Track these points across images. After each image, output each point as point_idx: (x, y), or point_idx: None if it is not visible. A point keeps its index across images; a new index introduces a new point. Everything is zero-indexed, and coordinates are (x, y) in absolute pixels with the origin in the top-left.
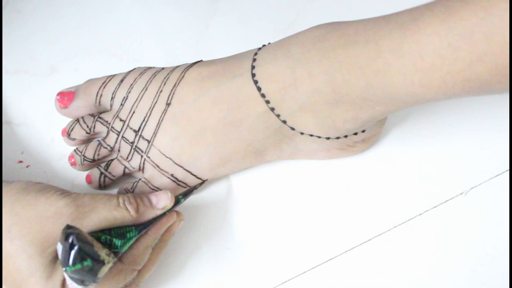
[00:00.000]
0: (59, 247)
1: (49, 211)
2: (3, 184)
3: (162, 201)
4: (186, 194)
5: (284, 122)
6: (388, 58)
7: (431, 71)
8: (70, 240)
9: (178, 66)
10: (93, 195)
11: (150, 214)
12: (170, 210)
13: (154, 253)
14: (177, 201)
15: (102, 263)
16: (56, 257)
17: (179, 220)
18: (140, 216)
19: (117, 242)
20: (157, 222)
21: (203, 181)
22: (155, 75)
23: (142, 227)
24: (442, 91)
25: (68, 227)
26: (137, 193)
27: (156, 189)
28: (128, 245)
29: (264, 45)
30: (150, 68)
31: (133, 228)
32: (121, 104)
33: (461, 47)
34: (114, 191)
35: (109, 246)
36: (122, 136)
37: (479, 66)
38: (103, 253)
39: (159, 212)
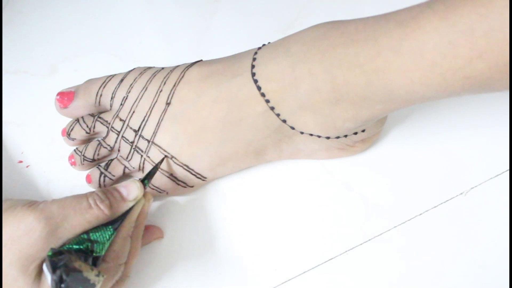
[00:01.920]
0: (47, 274)
1: (19, 229)
2: None
3: (133, 192)
4: (150, 177)
5: (284, 121)
6: (388, 56)
7: (431, 69)
8: (58, 274)
9: (178, 65)
10: (61, 201)
11: (123, 208)
12: None
13: (134, 240)
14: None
15: (93, 285)
16: (40, 271)
17: (148, 201)
18: (114, 213)
19: (97, 247)
20: (129, 214)
21: (164, 157)
22: (155, 75)
23: (118, 223)
24: (442, 89)
25: (53, 253)
26: (107, 187)
27: (156, 188)
28: (107, 244)
29: (264, 45)
30: (150, 68)
31: (110, 227)
32: (121, 104)
33: (461, 44)
34: None
35: (91, 252)
36: (122, 136)
37: (479, 63)
38: (92, 275)
39: (131, 204)
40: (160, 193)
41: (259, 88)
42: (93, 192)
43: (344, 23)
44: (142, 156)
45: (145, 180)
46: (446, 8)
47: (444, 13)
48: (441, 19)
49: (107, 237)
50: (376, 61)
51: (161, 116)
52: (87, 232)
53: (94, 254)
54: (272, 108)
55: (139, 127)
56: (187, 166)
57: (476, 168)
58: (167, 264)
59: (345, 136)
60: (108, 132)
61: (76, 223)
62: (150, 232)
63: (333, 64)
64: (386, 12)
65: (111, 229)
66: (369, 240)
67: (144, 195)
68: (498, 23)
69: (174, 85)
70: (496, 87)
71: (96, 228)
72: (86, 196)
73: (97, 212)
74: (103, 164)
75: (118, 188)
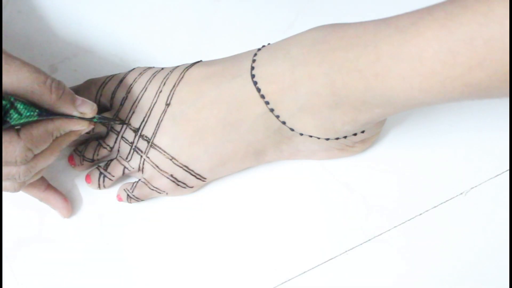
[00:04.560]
0: None
1: None
2: None
3: (85, 106)
4: (101, 119)
5: (284, 123)
6: (387, 61)
7: (430, 76)
8: None
9: (178, 66)
10: (26, 62)
11: (66, 109)
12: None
13: (55, 144)
14: (91, 118)
15: None
16: None
17: (88, 126)
18: (56, 104)
19: (12, 114)
20: (66, 118)
21: (123, 122)
22: (154, 75)
23: (48, 115)
24: (441, 95)
25: None
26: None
27: (156, 189)
28: (21, 122)
29: (263, 46)
30: (150, 68)
31: (38, 111)
32: (121, 104)
33: (461, 52)
34: (114, 191)
35: (4, 113)
36: (122, 136)
37: (479, 72)
38: None
39: (74, 113)
40: (160, 193)
41: (258, 89)
42: (57, 80)
43: (344, 27)
44: (141, 156)
45: (96, 117)
46: (446, 15)
47: (444, 20)
48: (441, 26)
49: (27, 114)
50: (376, 66)
51: (160, 116)
52: (17, 97)
53: (5, 117)
54: (272, 110)
55: (139, 128)
56: (187, 167)
57: (476, 168)
58: (167, 264)
59: (345, 137)
60: (107, 132)
61: (22, 84)
62: (59, 201)
63: (332, 68)
64: (386, 17)
65: (36, 112)
66: (369, 240)
67: (90, 123)
68: (498, 32)
69: (174, 86)
70: (496, 95)
71: (26, 102)
72: (49, 76)
73: (45, 91)
74: (102, 164)
75: (76, 95)
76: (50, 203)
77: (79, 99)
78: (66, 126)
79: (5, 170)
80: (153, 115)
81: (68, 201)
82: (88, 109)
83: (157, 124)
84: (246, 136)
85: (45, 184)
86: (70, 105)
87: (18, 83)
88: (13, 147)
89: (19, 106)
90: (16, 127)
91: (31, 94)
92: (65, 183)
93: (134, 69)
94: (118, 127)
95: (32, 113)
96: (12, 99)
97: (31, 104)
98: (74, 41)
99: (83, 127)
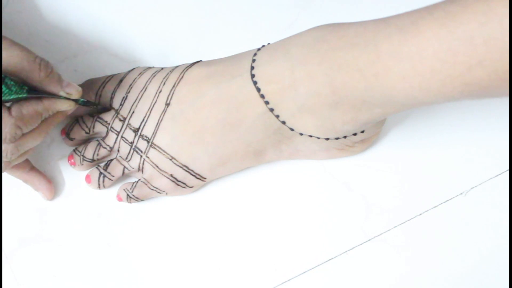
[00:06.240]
0: None
1: None
2: None
3: (71, 87)
4: (86, 102)
5: (284, 122)
6: (387, 61)
7: (430, 75)
8: None
9: (178, 66)
10: (16, 42)
11: (53, 88)
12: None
13: (44, 125)
14: (76, 100)
15: None
16: None
17: (74, 107)
18: (44, 81)
19: (4, 90)
20: (53, 97)
21: (107, 107)
22: (154, 75)
23: (37, 93)
24: (441, 95)
25: None
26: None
27: (156, 189)
28: (11, 98)
29: (263, 46)
30: (149, 68)
31: (26, 88)
32: (121, 104)
33: (461, 51)
34: (114, 191)
35: None
36: (122, 136)
37: (479, 71)
38: None
39: (60, 93)
40: (160, 193)
41: (258, 89)
42: (44, 60)
43: (343, 26)
44: (141, 156)
45: (81, 100)
46: (446, 14)
47: (444, 19)
48: (441, 25)
49: (18, 91)
50: (376, 66)
51: (160, 116)
52: (10, 75)
53: None
54: (271, 110)
55: (139, 128)
56: (187, 167)
57: (476, 168)
58: (166, 264)
59: (345, 137)
60: (107, 133)
61: (12, 61)
62: (43, 183)
63: (332, 68)
64: (386, 16)
65: (26, 89)
66: (369, 240)
67: (75, 103)
68: (498, 31)
69: (174, 86)
70: (496, 94)
71: (17, 81)
72: (38, 56)
73: (34, 68)
74: (102, 164)
75: (62, 77)
76: (34, 185)
77: (66, 80)
78: (54, 106)
79: None
80: (152, 115)
81: (52, 183)
82: (73, 90)
83: (157, 124)
84: (246, 136)
85: (29, 166)
86: (57, 84)
87: (8, 60)
88: (3, 123)
89: (9, 82)
90: (7, 104)
91: (20, 70)
92: (65, 183)
93: (134, 69)
94: (118, 126)
95: (22, 90)
96: (3, 75)
97: (21, 82)
98: (74, 41)
99: (69, 107)
